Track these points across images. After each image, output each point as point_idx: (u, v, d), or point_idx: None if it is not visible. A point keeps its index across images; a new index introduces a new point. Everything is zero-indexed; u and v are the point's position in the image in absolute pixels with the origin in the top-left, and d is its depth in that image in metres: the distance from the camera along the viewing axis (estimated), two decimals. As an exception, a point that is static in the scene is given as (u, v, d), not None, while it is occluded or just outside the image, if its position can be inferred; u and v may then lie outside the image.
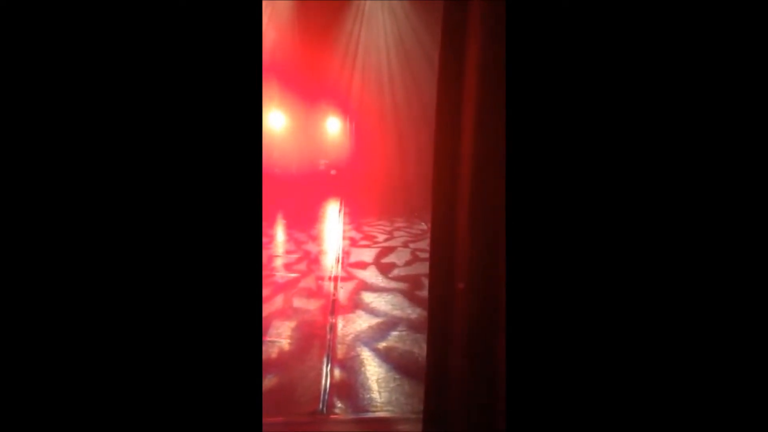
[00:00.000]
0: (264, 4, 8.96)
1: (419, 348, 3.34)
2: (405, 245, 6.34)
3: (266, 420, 2.56)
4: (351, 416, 2.68)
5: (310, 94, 9.41)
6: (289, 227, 7.27)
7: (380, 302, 4.33)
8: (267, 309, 4.10)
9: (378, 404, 2.78)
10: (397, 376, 3.06)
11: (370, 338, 3.61)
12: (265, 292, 4.49)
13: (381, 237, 6.75)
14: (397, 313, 4.09)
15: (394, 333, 3.71)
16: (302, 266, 5.32)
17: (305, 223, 7.37)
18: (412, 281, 4.87)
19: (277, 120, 9.54)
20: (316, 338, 3.59)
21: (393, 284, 4.81)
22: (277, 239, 6.69)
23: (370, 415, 2.69)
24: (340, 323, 3.86)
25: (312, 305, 4.23)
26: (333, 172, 9.82)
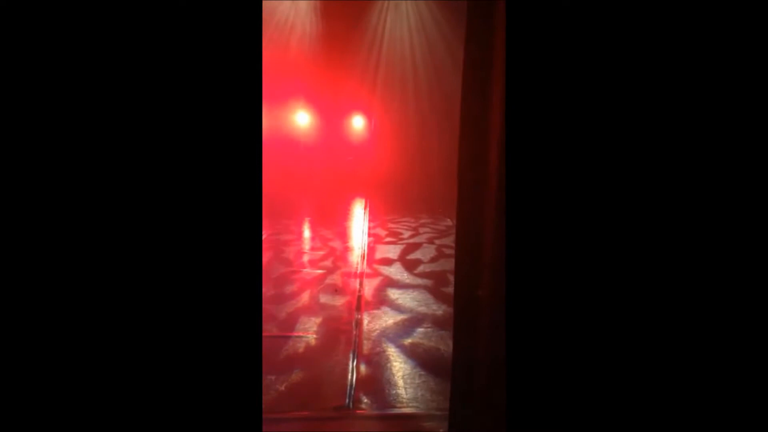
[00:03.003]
0: (288, 3, 9.05)
1: (445, 345, 3.32)
2: (430, 241, 6.32)
3: (293, 414, 2.61)
4: (377, 412, 2.69)
5: (336, 93, 9.45)
6: (315, 224, 7.32)
7: (405, 299, 4.32)
8: (293, 305, 4.13)
9: (404, 400, 2.78)
10: (422, 373, 3.05)
11: (396, 334, 3.61)
12: (292, 288, 4.53)
13: (406, 233, 6.74)
14: (422, 309, 4.08)
15: (420, 329, 3.70)
16: (328, 263, 5.35)
17: (331, 220, 7.41)
18: (438, 278, 4.85)
19: (302, 118, 9.61)
20: (342, 334, 3.61)
21: (418, 281, 4.80)
22: (304, 235, 6.74)
23: (396, 411, 2.69)
24: (366, 319, 3.87)
25: (338, 301, 4.25)
26: (351, 158, 9.78)
